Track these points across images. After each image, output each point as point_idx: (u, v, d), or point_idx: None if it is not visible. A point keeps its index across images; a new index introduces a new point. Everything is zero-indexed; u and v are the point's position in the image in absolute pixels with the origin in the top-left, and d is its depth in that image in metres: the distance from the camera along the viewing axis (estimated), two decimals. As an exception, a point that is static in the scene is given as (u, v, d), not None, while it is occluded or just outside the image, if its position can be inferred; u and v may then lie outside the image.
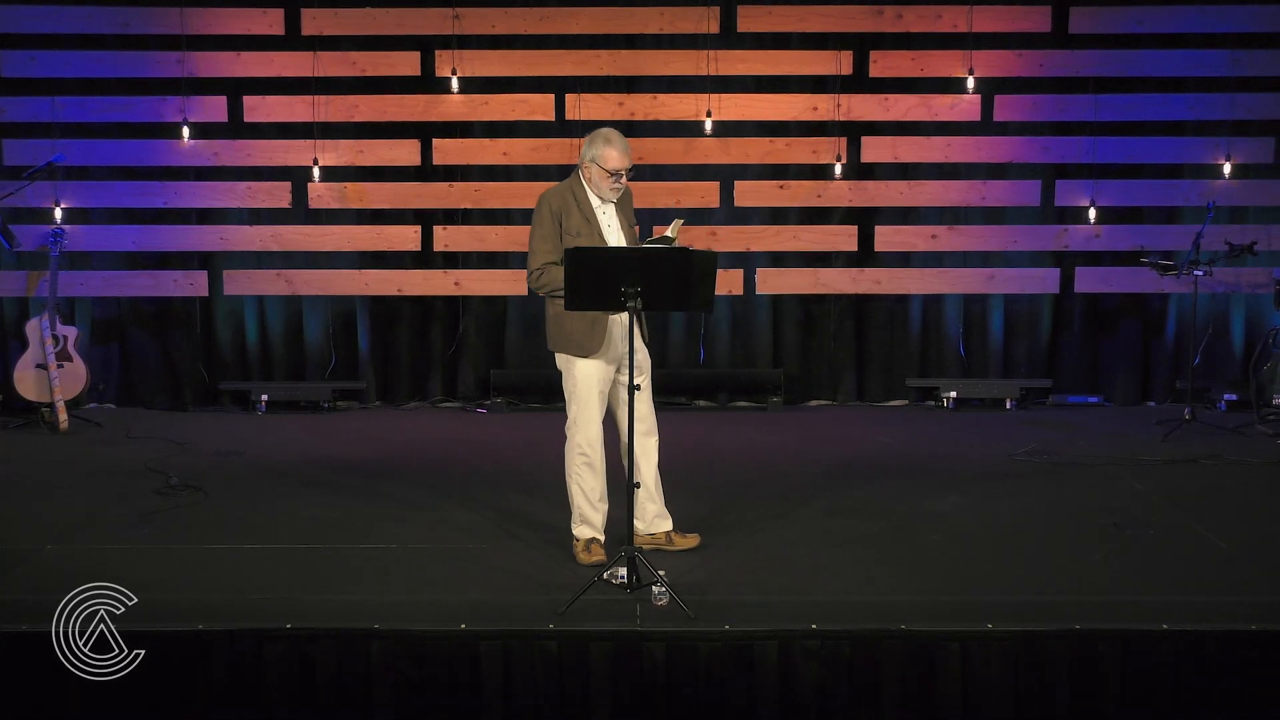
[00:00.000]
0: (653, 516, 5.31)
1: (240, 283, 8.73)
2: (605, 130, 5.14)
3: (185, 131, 8.53)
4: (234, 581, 4.92)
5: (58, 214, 8.55)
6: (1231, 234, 8.17)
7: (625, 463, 4.88)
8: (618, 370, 5.18)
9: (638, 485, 5.00)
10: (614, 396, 5.24)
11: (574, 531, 5.25)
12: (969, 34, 8.46)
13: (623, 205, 5.24)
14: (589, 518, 5.21)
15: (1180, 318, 8.79)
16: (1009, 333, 8.97)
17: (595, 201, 5.15)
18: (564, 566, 5.08)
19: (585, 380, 5.14)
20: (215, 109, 8.57)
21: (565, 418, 5.25)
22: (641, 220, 8.89)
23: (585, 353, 5.12)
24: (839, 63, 8.57)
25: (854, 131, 8.66)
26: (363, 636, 4.36)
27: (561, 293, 4.84)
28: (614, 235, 5.18)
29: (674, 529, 5.34)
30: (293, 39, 8.57)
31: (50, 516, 5.85)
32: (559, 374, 5.28)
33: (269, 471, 6.85)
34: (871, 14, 8.54)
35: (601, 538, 5.21)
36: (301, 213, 8.72)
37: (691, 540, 5.34)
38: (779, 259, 8.83)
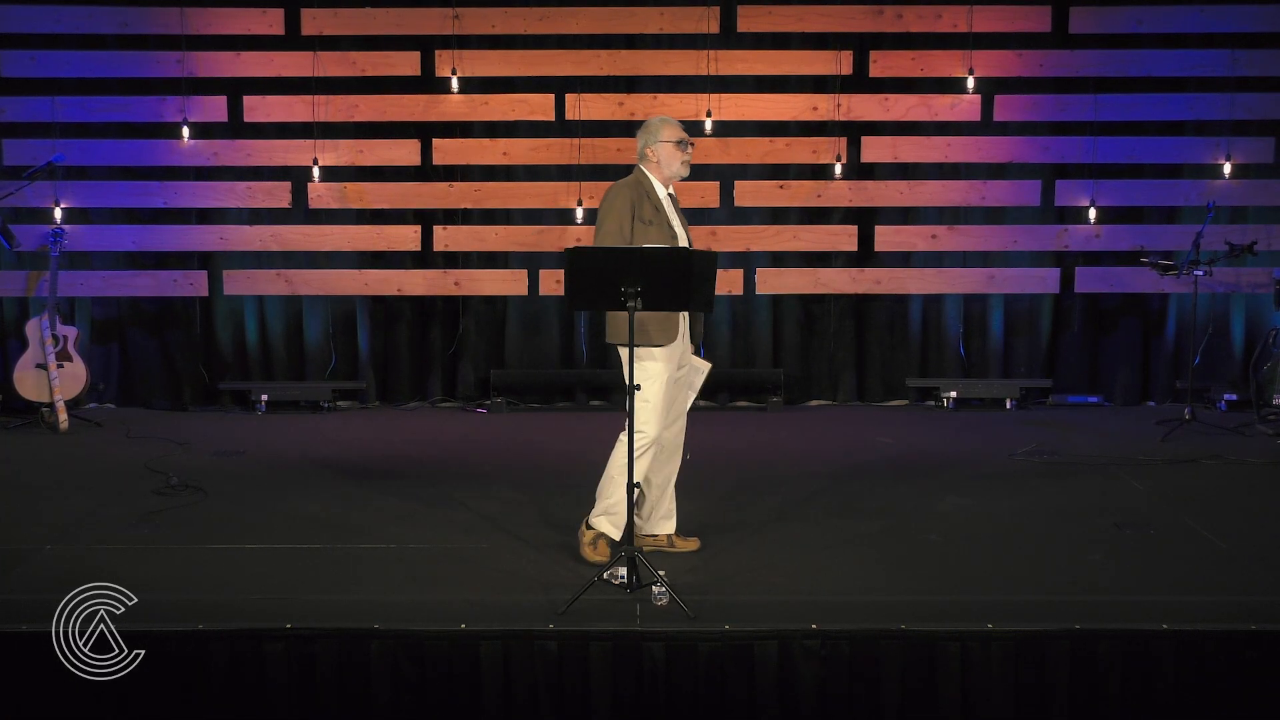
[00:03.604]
0: (659, 517, 5.30)
1: (240, 283, 8.73)
2: (654, 117, 5.29)
3: (185, 131, 8.53)
4: (234, 581, 4.92)
5: (58, 214, 8.55)
6: (1231, 234, 8.17)
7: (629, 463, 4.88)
8: (678, 368, 5.19)
9: (637, 486, 4.99)
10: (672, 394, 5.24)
11: (591, 522, 5.18)
12: (969, 34, 8.47)
13: (676, 204, 5.28)
14: (616, 515, 5.13)
15: (1180, 318, 8.79)
16: (1009, 333, 8.97)
17: (661, 192, 5.20)
18: (564, 566, 5.08)
19: (657, 374, 5.09)
20: (215, 109, 8.58)
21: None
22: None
23: (662, 340, 5.07)
24: (839, 63, 8.57)
25: (854, 131, 8.66)
26: (363, 636, 4.36)
27: None
28: (678, 226, 5.22)
29: (675, 532, 5.34)
30: (293, 39, 8.57)
31: (50, 516, 5.84)
32: (602, 371, 5.22)
33: (269, 471, 6.85)
34: (871, 14, 8.54)
35: (617, 536, 5.18)
36: (301, 213, 8.72)
37: (692, 544, 5.33)
38: (779, 259, 8.84)
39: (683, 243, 5.17)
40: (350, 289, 8.78)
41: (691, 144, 5.25)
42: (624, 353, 4.95)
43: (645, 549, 5.06)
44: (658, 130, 5.20)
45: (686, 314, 5.14)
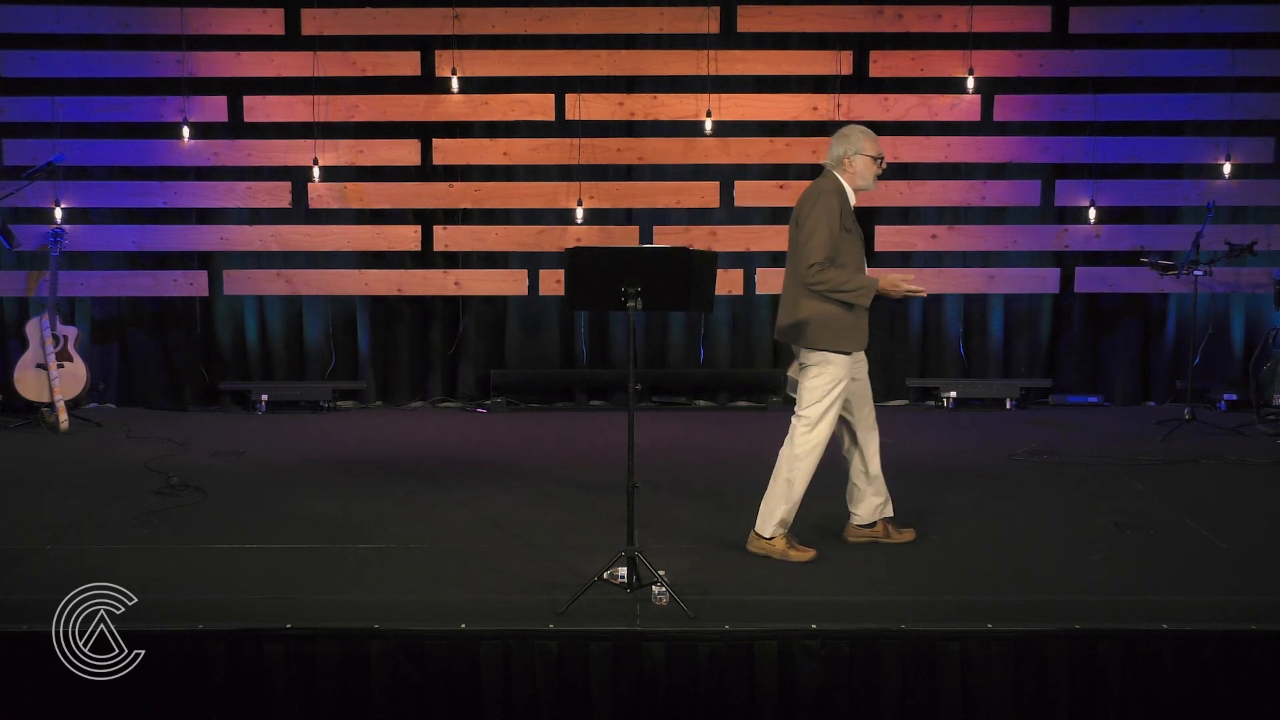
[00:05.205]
0: (876, 506, 5.36)
1: (240, 283, 8.73)
2: (853, 125, 5.25)
3: (185, 131, 8.53)
4: (234, 581, 4.92)
5: (58, 214, 8.55)
6: (1231, 234, 8.17)
7: (629, 461, 4.88)
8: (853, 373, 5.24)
9: (636, 486, 4.98)
10: (854, 393, 5.26)
11: (769, 532, 5.19)
12: (969, 34, 8.46)
13: None
14: (789, 518, 5.19)
15: (1180, 318, 8.79)
16: (1009, 333, 8.97)
17: (852, 201, 5.23)
18: (564, 566, 5.08)
19: (842, 378, 5.11)
20: (215, 109, 8.58)
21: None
22: (641, 220, 8.95)
23: (851, 348, 5.11)
24: (839, 63, 8.57)
25: (854, 132, 8.65)
26: (363, 636, 4.36)
27: (840, 291, 4.98)
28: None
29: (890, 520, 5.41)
30: (293, 39, 8.57)
31: (50, 516, 5.84)
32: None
33: (269, 471, 6.85)
34: (871, 14, 8.54)
35: (786, 526, 5.23)
36: (301, 213, 8.72)
37: (908, 534, 5.41)
38: (779, 259, 8.81)
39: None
40: (350, 289, 8.78)
41: (884, 160, 5.25)
42: (813, 355, 5.05)
43: (858, 540, 5.22)
44: (859, 141, 5.17)
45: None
